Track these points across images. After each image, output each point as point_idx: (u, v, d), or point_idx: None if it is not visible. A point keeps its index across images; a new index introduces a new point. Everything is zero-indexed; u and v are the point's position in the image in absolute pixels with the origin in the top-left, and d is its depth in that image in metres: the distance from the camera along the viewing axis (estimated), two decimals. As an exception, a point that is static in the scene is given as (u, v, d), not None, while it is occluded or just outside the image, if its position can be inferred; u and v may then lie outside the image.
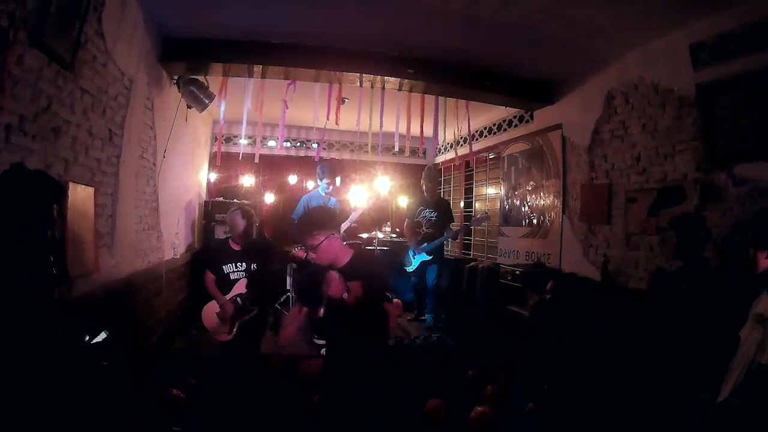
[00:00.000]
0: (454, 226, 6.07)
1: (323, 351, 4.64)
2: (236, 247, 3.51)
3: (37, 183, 1.77)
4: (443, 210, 5.06)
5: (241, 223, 3.47)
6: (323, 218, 2.53)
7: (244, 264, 3.49)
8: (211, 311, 3.49)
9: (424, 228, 4.96)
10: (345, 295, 2.32)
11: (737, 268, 2.37)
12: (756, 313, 1.97)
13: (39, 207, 1.73)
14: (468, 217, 7.58)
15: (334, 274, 2.39)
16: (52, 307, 1.82)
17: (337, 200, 5.16)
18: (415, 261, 5.45)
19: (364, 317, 2.31)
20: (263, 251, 3.70)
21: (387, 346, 2.43)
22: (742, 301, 2.18)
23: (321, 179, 5.06)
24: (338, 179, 5.38)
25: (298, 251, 3.83)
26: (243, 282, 3.47)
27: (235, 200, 6.63)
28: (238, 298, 3.44)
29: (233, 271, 3.48)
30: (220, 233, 6.30)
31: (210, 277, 3.48)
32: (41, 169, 2.11)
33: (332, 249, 2.42)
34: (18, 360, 1.36)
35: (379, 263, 3.01)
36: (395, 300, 2.28)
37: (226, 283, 3.47)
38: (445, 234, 5.03)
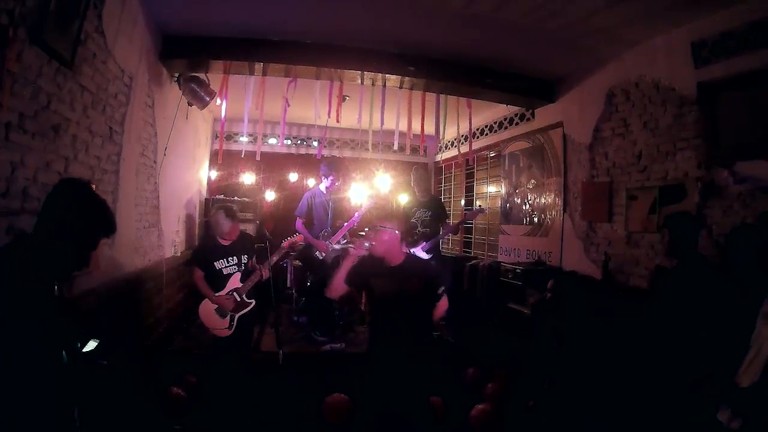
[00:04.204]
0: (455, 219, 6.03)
1: (328, 347, 4.69)
2: (224, 243, 3.47)
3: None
4: (436, 208, 5.09)
5: (225, 223, 3.38)
6: (397, 217, 2.69)
7: (235, 258, 3.47)
8: (209, 308, 3.45)
9: (419, 228, 4.99)
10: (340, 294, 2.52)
11: (741, 266, 2.35)
12: (766, 311, 1.96)
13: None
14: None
15: (340, 279, 2.54)
16: (52, 305, 1.82)
17: (337, 198, 5.13)
18: None
19: (416, 311, 2.47)
20: (252, 243, 3.67)
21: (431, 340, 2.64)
22: (743, 298, 2.17)
23: (326, 176, 5.01)
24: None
25: (284, 243, 3.73)
26: (237, 276, 3.45)
27: (235, 198, 6.64)
28: (235, 293, 3.43)
29: (225, 267, 3.44)
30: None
31: (199, 274, 3.43)
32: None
33: (391, 244, 2.53)
34: (17, 358, 1.36)
35: (430, 266, 3.20)
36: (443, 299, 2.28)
37: (220, 279, 3.42)
38: (441, 230, 5.05)
